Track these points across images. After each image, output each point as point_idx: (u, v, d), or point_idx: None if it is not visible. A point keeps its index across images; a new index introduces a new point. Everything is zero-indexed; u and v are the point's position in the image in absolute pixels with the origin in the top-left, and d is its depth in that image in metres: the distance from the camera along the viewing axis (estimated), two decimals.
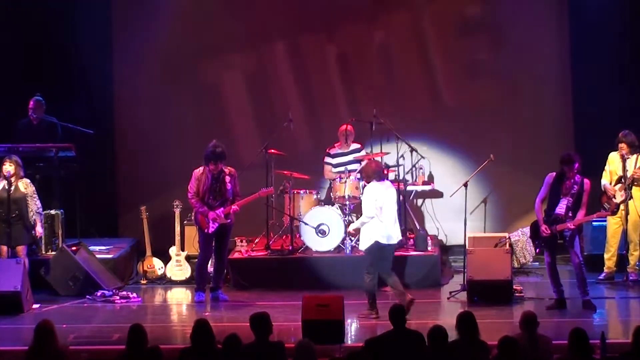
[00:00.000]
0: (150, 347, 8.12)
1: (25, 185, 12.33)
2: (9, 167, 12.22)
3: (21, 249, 12.31)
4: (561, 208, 11.24)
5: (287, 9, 14.94)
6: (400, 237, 11.53)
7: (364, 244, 11.20)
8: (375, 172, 11.26)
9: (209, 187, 12.15)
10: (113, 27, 14.95)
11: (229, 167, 12.28)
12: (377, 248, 11.11)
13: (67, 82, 14.55)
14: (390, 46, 14.85)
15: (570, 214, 11.21)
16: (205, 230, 12.22)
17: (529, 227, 13.39)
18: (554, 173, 11.32)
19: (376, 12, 14.87)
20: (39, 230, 12.44)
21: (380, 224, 11.06)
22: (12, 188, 12.18)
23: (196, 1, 14.98)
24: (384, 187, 11.27)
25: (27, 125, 13.82)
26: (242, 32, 14.94)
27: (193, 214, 12.59)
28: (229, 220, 12.20)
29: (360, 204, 13.17)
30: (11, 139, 13.56)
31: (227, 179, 12.18)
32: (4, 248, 12.30)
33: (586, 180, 11.28)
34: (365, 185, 11.65)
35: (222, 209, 12.14)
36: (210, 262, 12.67)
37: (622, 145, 12.45)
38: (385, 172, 13.25)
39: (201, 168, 12.23)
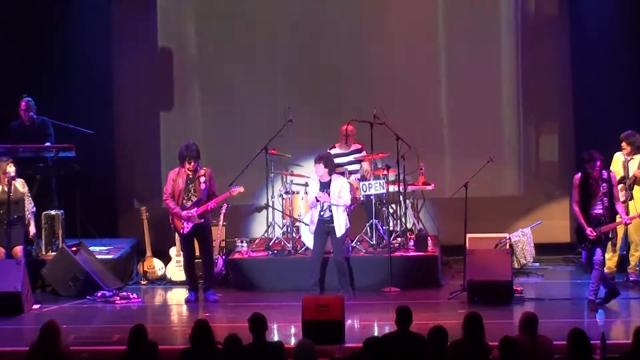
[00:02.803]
0: (148, 342, 8.10)
1: (22, 185, 12.35)
2: (12, 168, 12.21)
3: (19, 250, 12.29)
4: (598, 209, 11.15)
5: (289, 8, 14.96)
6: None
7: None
8: None
9: (183, 188, 12.15)
10: (112, 28, 14.95)
11: (204, 167, 12.28)
12: None
13: (66, 82, 14.52)
14: (391, 46, 14.84)
15: (607, 214, 11.15)
16: (181, 231, 12.26)
17: (529, 228, 13.44)
18: (579, 174, 11.25)
19: (376, 13, 14.88)
20: (32, 230, 12.45)
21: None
22: (12, 189, 12.16)
23: None
24: None
25: (20, 126, 13.77)
26: (243, 30, 14.93)
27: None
28: (202, 220, 12.20)
29: (361, 204, 13.25)
30: (5, 140, 13.53)
31: (202, 179, 12.16)
32: (1, 249, 12.26)
33: (612, 174, 11.33)
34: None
35: (195, 209, 12.14)
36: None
37: (624, 145, 12.44)
38: (386, 172, 13.31)
39: (176, 169, 12.25)
